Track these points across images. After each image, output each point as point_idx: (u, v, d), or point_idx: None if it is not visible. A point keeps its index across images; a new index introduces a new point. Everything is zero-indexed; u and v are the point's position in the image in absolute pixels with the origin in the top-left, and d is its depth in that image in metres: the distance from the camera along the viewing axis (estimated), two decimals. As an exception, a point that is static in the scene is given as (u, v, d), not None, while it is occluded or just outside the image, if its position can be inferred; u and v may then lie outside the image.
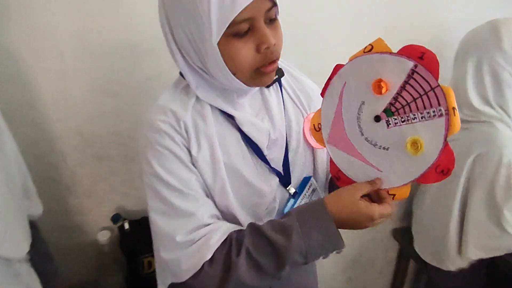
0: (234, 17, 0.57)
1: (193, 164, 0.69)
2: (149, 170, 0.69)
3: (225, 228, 0.68)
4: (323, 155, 0.85)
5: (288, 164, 0.78)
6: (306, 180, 0.81)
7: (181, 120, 0.69)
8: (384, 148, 0.65)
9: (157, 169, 0.67)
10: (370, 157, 0.67)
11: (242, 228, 0.71)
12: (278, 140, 0.76)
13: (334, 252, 0.67)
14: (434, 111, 0.57)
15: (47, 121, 1.12)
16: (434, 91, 0.56)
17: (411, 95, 0.59)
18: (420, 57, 0.57)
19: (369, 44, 0.64)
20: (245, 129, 0.72)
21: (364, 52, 0.64)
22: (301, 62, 1.32)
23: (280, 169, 0.77)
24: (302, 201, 0.80)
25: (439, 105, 0.57)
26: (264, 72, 0.66)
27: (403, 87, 0.59)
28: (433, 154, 0.60)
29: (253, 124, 0.72)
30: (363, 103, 0.64)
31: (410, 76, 0.58)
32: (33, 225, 0.94)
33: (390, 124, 0.62)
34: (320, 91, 0.71)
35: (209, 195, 0.71)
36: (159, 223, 0.67)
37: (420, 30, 1.38)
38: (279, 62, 0.69)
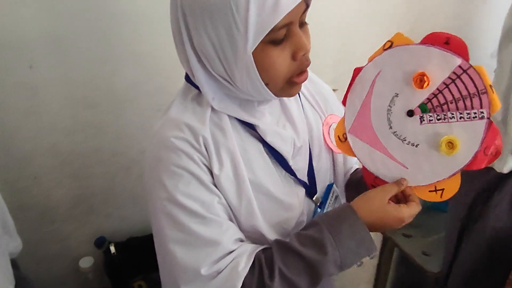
0: (277, 22, 0.52)
1: (215, 185, 0.62)
2: (163, 195, 0.61)
3: (251, 250, 0.63)
4: (341, 158, 0.81)
5: (314, 173, 0.73)
6: (329, 188, 0.77)
7: (200, 135, 0.61)
8: (413, 145, 0.62)
9: (174, 193, 0.60)
10: (396, 152, 0.64)
11: (266, 246, 0.65)
12: (302, 148, 0.71)
13: (368, 257, 0.63)
14: (475, 113, 0.55)
15: (17, 141, 0.99)
16: (479, 94, 0.54)
17: (452, 94, 0.56)
18: (446, 43, 0.55)
19: (388, 41, 0.61)
20: (268, 139, 0.66)
21: (384, 49, 0.61)
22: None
23: (305, 179, 0.72)
24: (327, 210, 0.76)
25: (481, 107, 0.55)
26: (296, 82, 0.61)
27: (446, 85, 0.56)
28: (466, 157, 0.57)
29: (277, 133, 0.67)
30: (396, 95, 0.61)
31: (457, 75, 0.55)
32: (14, 264, 0.82)
33: (424, 120, 0.60)
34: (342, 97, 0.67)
35: (232, 216, 0.65)
36: (179, 254, 0.60)
37: (404, 16, 1.39)
38: None
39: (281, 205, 0.67)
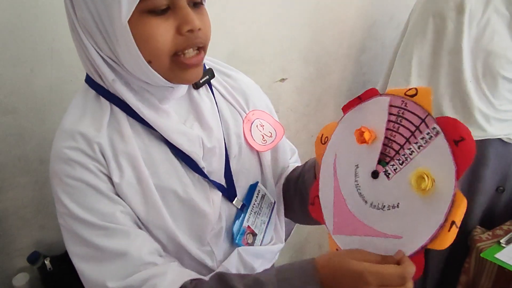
0: None
1: (117, 194, 0.58)
2: (62, 210, 0.57)
3: (175, 274, 0.57)
4: (268, 156, 0.75)
5: (231, 174, 0.67)
6: (253, 188, 0.71)
7: (94, 142, 0.57)
8: (393, 207, 0.54)
9: (71, 207, 0.56)
10: (382, 226, 0.55)
11: (200, 277, 0.60)
12: (215, 149, 0.65)
13: None
14: (428, 133, 0.50)
15: None
16: (424, 121, 0.50)
17: (403, 136, 0.52)
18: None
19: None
20: (173, 141, 0.60)
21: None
22: (233, 50, 1.21)
23: (222, 181, 0.66)
24: (252, 212, 0.70)
25: (431, 125, 0.50)
26: (185, 63, 0.55)
27: (395, 131, 0.53)
28: (449, 183, 0.48)
29: (182, 133, 0.61)
30: (357, 166, 0.57)
31: (399, 116, 0.52)
32: None
33: (389, 174, 0.54)
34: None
35: (142, 226, 0.60)
36: (86, 271, 0.56)
37: (344, 3, 1.34)
38: (205, 61, 0.61)
39: (194, 210, 0.62)
